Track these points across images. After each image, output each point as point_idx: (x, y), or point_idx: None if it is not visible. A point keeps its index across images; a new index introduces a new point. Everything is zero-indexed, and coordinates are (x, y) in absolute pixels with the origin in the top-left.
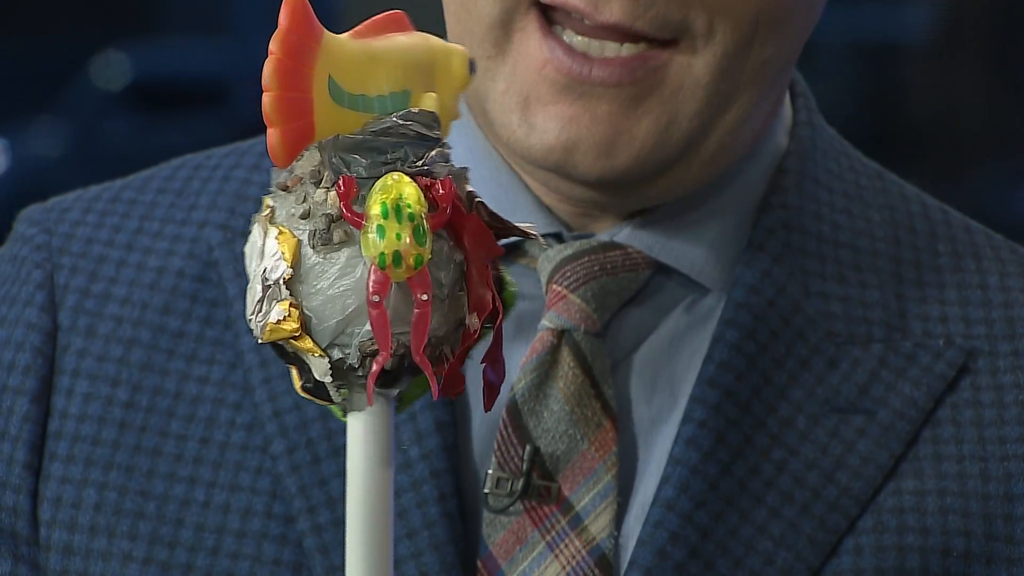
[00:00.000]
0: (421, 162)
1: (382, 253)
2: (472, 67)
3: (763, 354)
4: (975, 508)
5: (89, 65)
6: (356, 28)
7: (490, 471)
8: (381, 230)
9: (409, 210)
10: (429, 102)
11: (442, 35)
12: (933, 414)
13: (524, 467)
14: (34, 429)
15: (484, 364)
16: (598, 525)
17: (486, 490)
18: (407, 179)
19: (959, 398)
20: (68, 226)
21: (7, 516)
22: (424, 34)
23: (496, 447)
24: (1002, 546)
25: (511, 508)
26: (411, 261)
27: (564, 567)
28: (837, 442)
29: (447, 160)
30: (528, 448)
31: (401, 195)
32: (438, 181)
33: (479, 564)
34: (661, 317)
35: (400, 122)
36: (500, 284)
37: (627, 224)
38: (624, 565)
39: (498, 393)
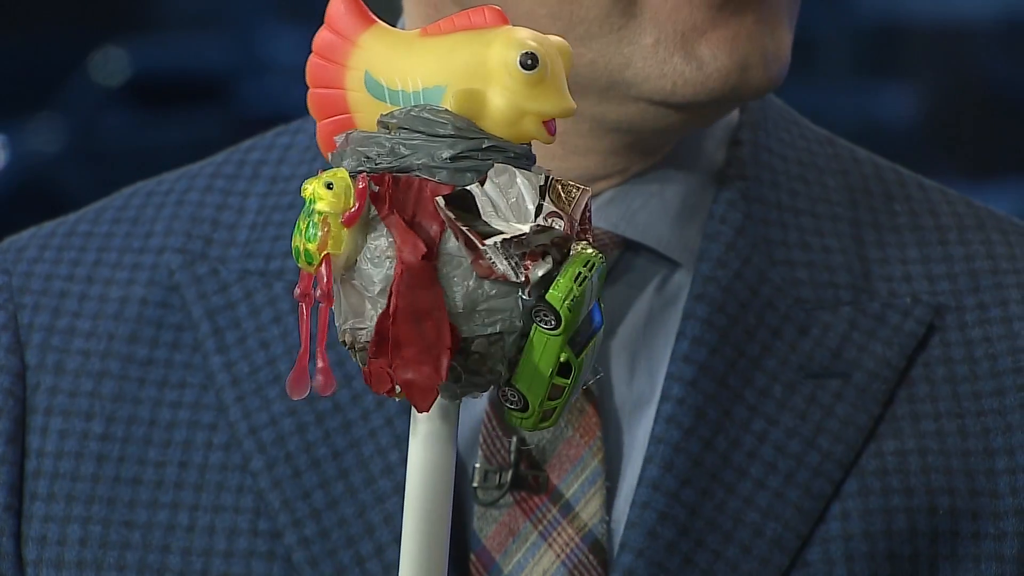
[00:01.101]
0: (397, 161)
1: (291, 247)
2: (524, 62)
3: (734, 326)
4: (956, 465)
5: (88, 61)
6: (438, 22)
7: (477, 465)
8: (294, 226)
9: (313, 206)
10: (448, 99)
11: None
12: (907, 373)
13: (511, 459)
14: (11, 471)
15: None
16: (589, 511)
17: (475, 484)
18: (332, 176)
19: (930, 356)
20: (26, 264)
21: None
22: (500, 28)
23: (482, 440)
24: (987, 500)
25: (501, 501)
26: (304, 257)
27: (558, 555)
28: (815, 408)
29: (465, 157)
30: (514, 439)
31: (315, 191)
32: (357, 178)
33: (473, 558)
34: (634, 297)
35: (390, 119)
36: (547, 285)
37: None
38: (616, 549)
39: (425, 393)
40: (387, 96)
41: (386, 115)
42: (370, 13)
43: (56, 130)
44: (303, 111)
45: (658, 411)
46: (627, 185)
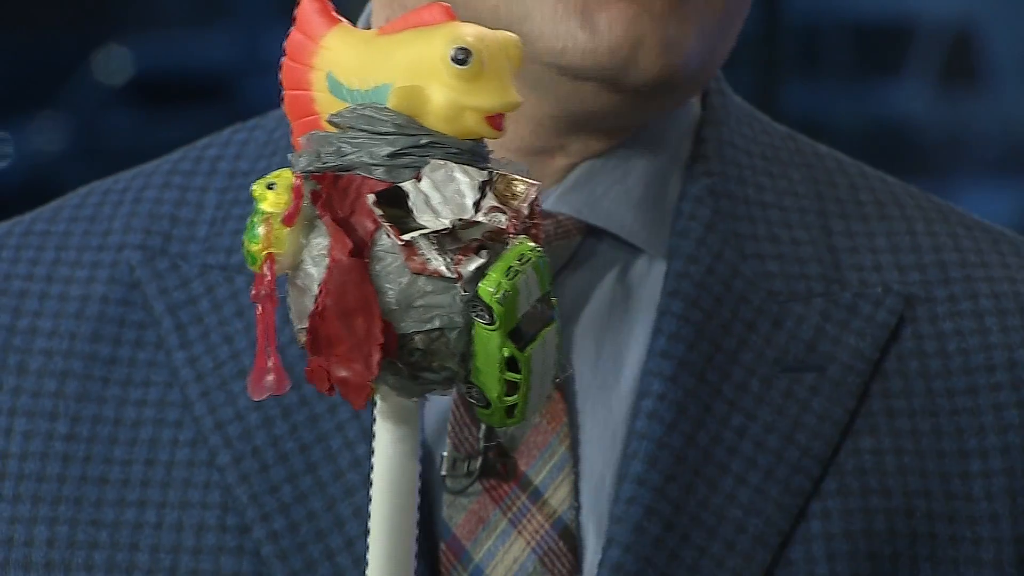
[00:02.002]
0: (339, 159)
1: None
2: (456, 56)
3: (710, 321)
4: (931, 467)
5: (91, 60)
6: (394, 20)
7: (445, 453)
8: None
9: (258, 206)
10: (389, 96)
11: None
12: (880, 366)
13: (480, 446)
14: None
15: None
16: (558, 498)
17: (443, 472)
18: (276, 176)
19: (903, 348)
20: None
21: None
22: (445, 25)
23: (450, 429)
24: (962, 504)
25: (470, 489)
26: (248, 258)
27: (528, 542)
28: (792, 402)
29: (404, 154)
30: (482, 427)
31: (260, 192)
32: (296, 176)
33: (443, 547)
34: (596, 281)
35: (338, 118)
36: (480, 277)
37: (552, 191)
38: (586, 535)
39: (358, 390)
40: (346, 96)
41: (334, 114)
42: (334, 13)
43: (59, 129)
44: None
45: (639, 406)
46: (588, 171)
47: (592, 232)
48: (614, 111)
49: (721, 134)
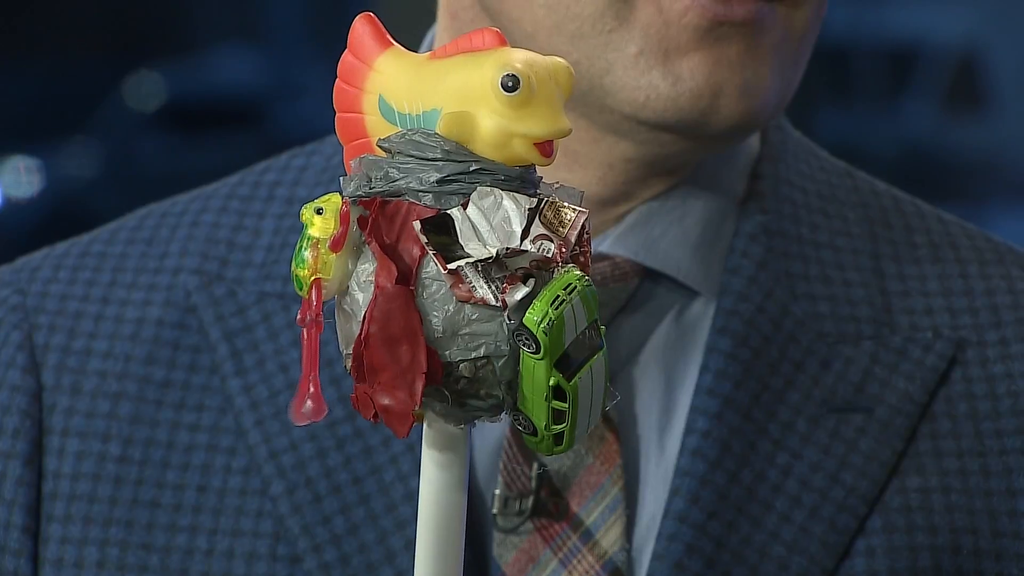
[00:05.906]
0: (388, 185)
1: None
2: (506, 83)
3: (758, 360)
4: (979, 505)
5: (123, 85)
6: (445, 45)
7: (497, 491)
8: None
9: (306, 231)
10: (438, 122)
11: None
12: (929, 408)
13: (533, 485)
14: (29, 492)
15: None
16: (609, 539)
17: (494, 511)
18: (324, 201)
19: (952, 391)
20: (41, 284)
21: None
22: (495, 51)
23: (502, 467)
24: (1010, 542)
25: (521, 527)
26: (295, 283)
27: None
28: (839, 442)
29: (452, 181)
30: (535, 466)
31: (308, 217)
32: (343, 201)
33: None
34: (653, 325)
35: (387, 143)
36: (525, 307)
37: (610, 233)
38: None
39: (401, 418)
40: (397, 120)
41: (383, 139)
42: (387, 36)
43: (91, 155)
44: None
45: (683, 444)
46: (646, 213)
47: (649, 275)
48: (689, 155)
49: (778, 171)
